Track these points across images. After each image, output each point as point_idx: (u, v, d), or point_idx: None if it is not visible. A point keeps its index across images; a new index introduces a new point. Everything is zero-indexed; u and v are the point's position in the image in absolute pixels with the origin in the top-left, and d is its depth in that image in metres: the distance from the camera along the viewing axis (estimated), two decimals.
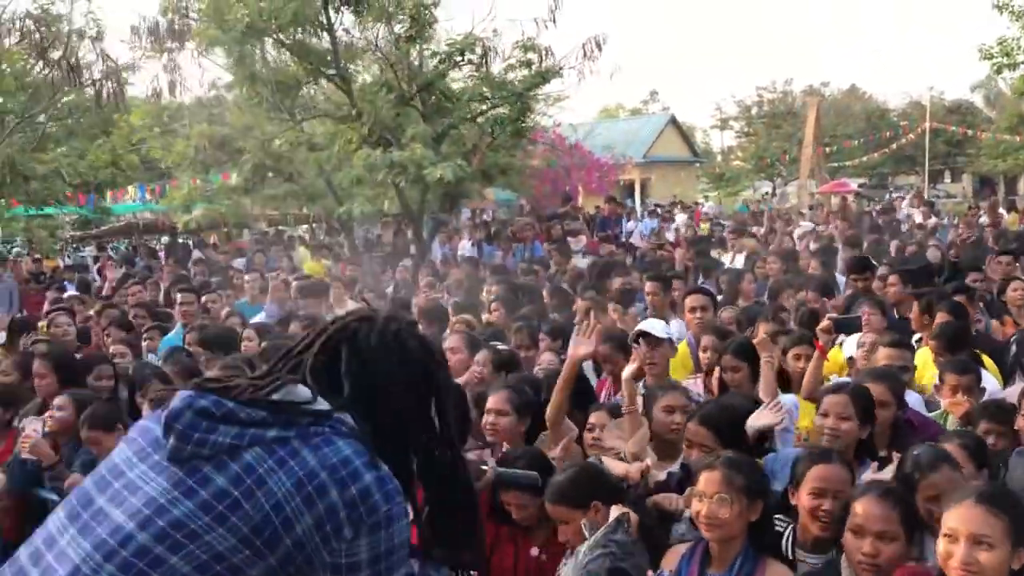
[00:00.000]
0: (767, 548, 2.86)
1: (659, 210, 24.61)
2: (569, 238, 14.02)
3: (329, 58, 12.30)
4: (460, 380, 4.84)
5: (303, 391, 1.67)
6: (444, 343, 5.66)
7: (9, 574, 1.61)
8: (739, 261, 10.57)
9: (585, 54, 12.43)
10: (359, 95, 12.55)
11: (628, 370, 4.05)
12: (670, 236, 17.09)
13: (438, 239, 15.17)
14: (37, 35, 9.24)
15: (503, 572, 3.46)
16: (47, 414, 5.06)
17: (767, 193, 36.72)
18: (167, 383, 5.29)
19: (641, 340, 4.68)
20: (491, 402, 4.06)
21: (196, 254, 18.23)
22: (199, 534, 1.52)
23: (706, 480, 2.81)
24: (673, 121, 40.51)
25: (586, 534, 2.94)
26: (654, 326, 4.87)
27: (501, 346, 5.14)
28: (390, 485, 1.64)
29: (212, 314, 7.89)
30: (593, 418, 4.09)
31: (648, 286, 6.90)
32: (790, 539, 3.03)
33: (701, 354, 5.39)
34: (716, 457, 2.92)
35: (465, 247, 15.46)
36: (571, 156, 24.50)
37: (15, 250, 23.68)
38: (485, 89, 12.77)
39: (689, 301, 6.15)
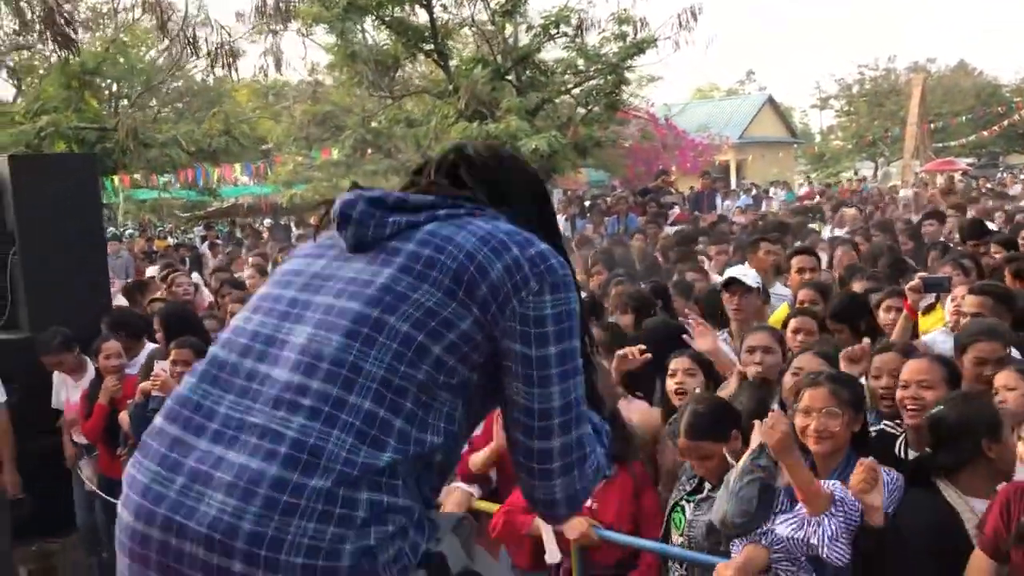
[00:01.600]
0: (867, 453, 2.89)
1: (755, 189, 24.21)
2: (663, 212, 14.00)
3: (427, 35, 12.53)
4: None
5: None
6: None
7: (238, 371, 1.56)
8: (837, 234, 10.40)
9: (680, 24, 12.35)
10: (456, 71, 12.76)
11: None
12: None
13: None
14: (157, 12, 9.75)
15: None
16: (172, 370, 5.38)
17: (862, 177, 35.61)
18: None
19: (730, 288, 4.70)
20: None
21: (296, 232, 18.85)
22: (407, 294, 1.52)
23: (812, 396, 2.87)
24: (770, 101, 39.68)
25: (731, 461, 3.00)
26: (744, 273, 4.87)
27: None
28: (561, 257, 1.59)
29: None
30: (674, 364, 4.10)
31: (764, 246, 6.87)
32: (903, 443, 3.13)
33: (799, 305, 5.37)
34: (820, 374, 2.97)
35: (559, 223, 15.56)
36: (665, 136, 24.35)
37: (128, 232, 24.89)
38: (580, 61, 12.82)
39: (796, 261, 6.07)
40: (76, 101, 8.40)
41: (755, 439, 2.90)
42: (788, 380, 3.47)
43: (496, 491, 3.89)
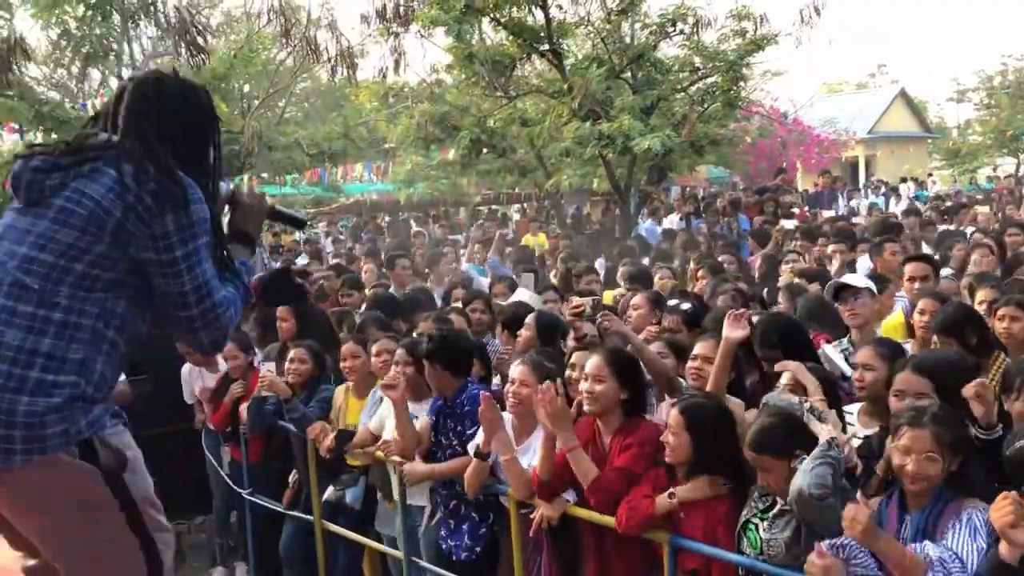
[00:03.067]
0: (964, 488, 2.80)
1: (883, 186, 23.26)
2: (782, 212, 13.64)
3: (542, 35, 12.58)
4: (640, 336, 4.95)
5: (103, 136, 2.45)
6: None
7: None
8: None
9: (802, 19, 12.00)
10: (571, 70, 12.78)
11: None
12: (897, 211, 16.19)
13: (645, 213, 15.19)
14: (282, 19, 10.19)
15: None
16: (287, 366, 5.64)
17: (1009, 174, 33.58)
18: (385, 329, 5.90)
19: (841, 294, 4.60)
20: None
21: (415, 229, 19.30)
22: (55, 236, 2.32)
23: (913, 438, 2.79)
24: (903, 94, 37.98)
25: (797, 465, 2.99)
26: (853, 279, 4.78)
27: (685, 305, 5.17)
28: (184, 181, 2.37)
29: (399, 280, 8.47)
30: (698, 348, 4.11)
31: (889, 246, 6.68)
32: None
33: (917, 316, 5.17)
34: (924, 413, 2.87)
35: (673, 221, 15.37)
36: (789, 131, 23.67)
37: None
38: (696, 59, 12.63)
39: (909, 269, 5.84)
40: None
41: (824, 433, 2.90)
42: (892, 403, 3.37)
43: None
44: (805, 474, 2.84)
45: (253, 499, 6.05)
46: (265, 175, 10.96)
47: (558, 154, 12.18)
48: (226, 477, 6.34)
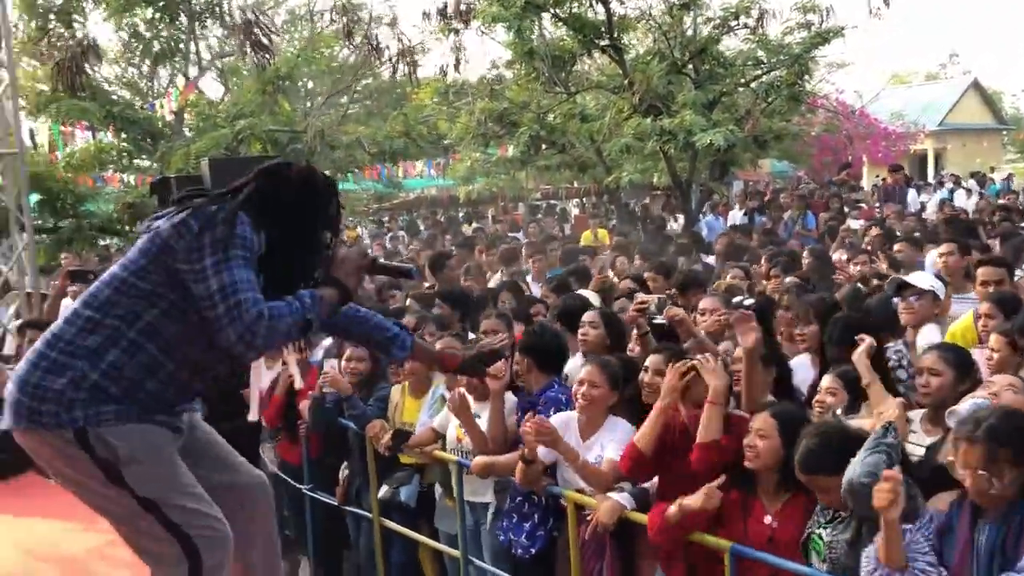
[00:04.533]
0: None
1: (952, 180, 22.60)
2: (848, 209, 13.35)
3: (603, 29, 12.48)
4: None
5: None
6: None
7: None
8: None
9: (870, 12, 11.70)
10: (632, 65, 12.65)
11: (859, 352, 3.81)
12: (968, 206, 15.73)
13: (707, 209, 15.00)
14: (344, 20, 10.29)
15: (732, 539, 3.41)
16: (345, 366, 5.68)
17: None
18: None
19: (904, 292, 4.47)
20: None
21: (475, 225, 19.35)
22: (128, 256, 2.71)
23: (967, 452, 2.67)
24: (975, 85, 36.82)
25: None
26: (917, 278, 4.65)
27: (749, 300, 5.07)
28: (243, 217, 2.67)
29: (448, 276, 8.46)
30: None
31: (944, 246, 6.42)
32: None
33: (981, 321, 4.99)
34: (978, 427, 2.69)
35: (736, 216, 15.15)
36: (855, 125, 23.14)
37: None
38: (760, 53, 12.40)
39: (981, 273, 5.64)
40: (270, 104, 9.01)
41: (882, 419, 2.83)
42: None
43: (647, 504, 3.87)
44: (856, 464, 2.78)
45: (313, 495, 6.11)
46: (327, 173, 11.07)
47: (618, 150, 12.06)
48: (279, 472, 6.41)
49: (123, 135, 8.97)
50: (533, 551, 4.36)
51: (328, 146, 8.49)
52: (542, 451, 4.08)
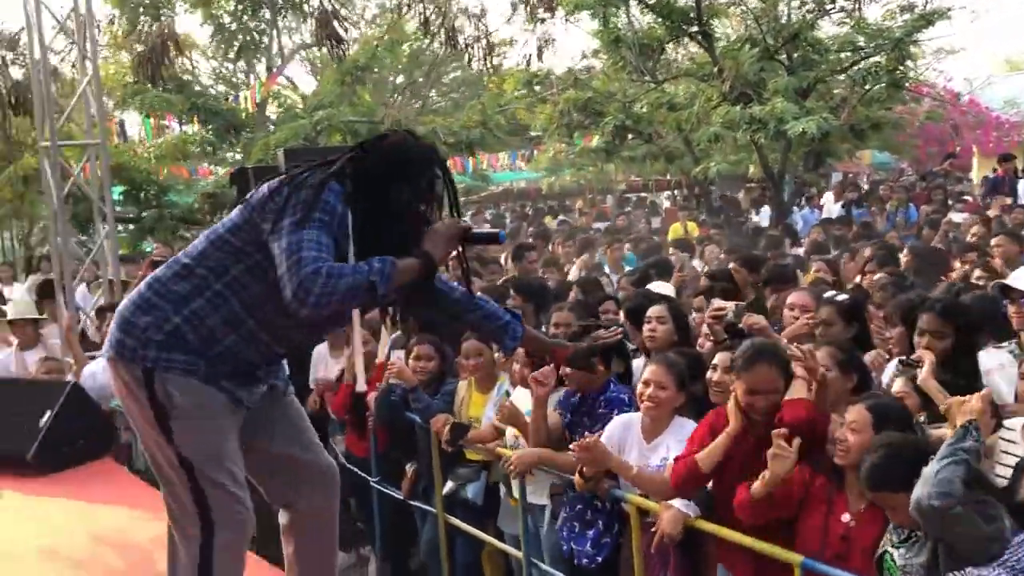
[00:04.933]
0: None
1: None
2: (951, 202, 12.66)
3: (692, 16, 12.13)
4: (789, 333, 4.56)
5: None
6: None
7: None
8: None
9: None
10: (721, 52, 12.27)
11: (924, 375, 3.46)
12: None
13: (803, 201, 14.46)
14: (423, 10, 10.24)
15: (809, 531, 3.20)
16: (411, 363, 5.58)
17: None
18: None
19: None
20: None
21: (560, 218, 19.15)
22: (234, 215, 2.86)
23: None
24: None
25: None
26: (1018, 278, 4.25)
27: (842, 296, 4.72)
28: (333, 186, 2.71)
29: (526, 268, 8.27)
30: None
31: None
32: None
33: None
34: None
35: (833, 209, 14.57)
36: (963, 113, 22.01)
37: None
38: (858, 37, 11.84)
39: None
40: (349, 95, 9.01)
41: (958, 420, 2.54)
42: None
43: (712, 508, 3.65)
44: (927, 480, 2.49)
45: (381, 488, 6.05)
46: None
47: (706, 139, 11.70)
48: (347, 463, 6.38)
49: (207, 126, 9.13)
50: (599, 559, 4.18)
51: None
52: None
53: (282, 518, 3.24)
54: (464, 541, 5.32)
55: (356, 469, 6.30)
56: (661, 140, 13.63)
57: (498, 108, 11.02)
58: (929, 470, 2.51)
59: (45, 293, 7.69)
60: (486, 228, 3.26)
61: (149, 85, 8.16)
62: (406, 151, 2.83)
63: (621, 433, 4.03)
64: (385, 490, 5.98)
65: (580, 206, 21.86)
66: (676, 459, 3.58)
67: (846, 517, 3.14)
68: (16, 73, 7.76)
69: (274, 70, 12.12)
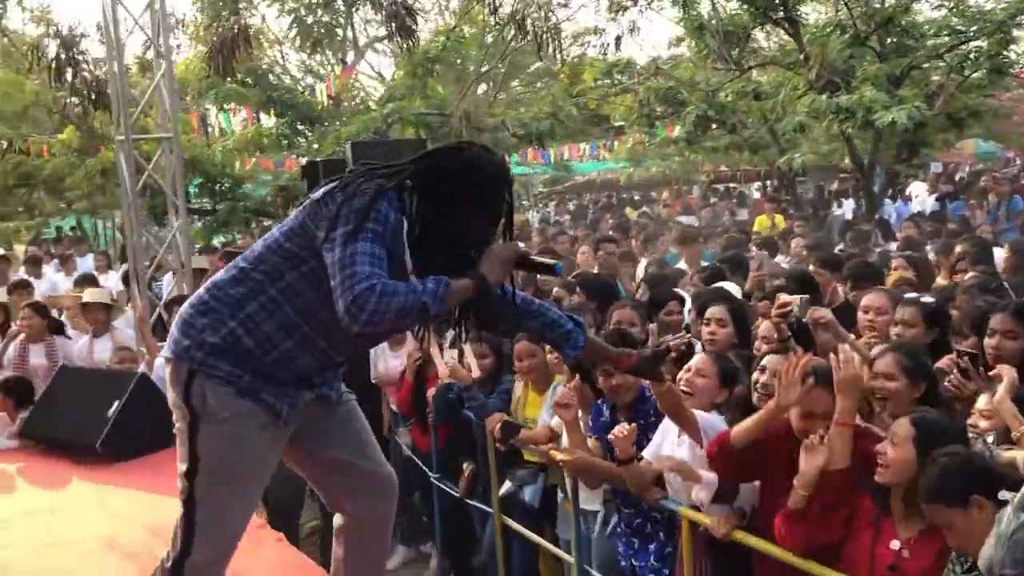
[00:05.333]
0: None
1: None
2: None
3: (778, 1, 11.70)
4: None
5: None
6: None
7: None
8: None
9: None
10: (809, 39, 11.80)
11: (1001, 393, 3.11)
12: None
13: (896, 194, 13.85)
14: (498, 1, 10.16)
15: (854, 556, 2.96)
16: (474, 363, 5.50)
17: None
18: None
19: None
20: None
21: (642, 209, 18.85)
22: (278, 231, 2.84)
23: None
24: None
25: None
26: None
27: (927, 298, 4.42)
28: (385, 197, 2.63)
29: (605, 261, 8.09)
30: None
31: None
32: None
33: None
34: None
35: (927, 202, 13.93)
36: None
37: None
38: (956, 21, 11.22)
39: None
40: (420, 88, 8.98)
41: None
42: None
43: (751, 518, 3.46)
44: (1001, 540, 2.19)
45: (440, 485, 6.00)
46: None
47: (791, 129, 11.26)
48: (413, 456, 6.36)
49: (282, 119, 9.23)
50: (666, 572, 4.01)
51: (474, 128, 8.35)
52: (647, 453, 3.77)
53: (337, 519, 3.23)
54: (521, 544, 5.22)
55: (420, 463, 6.28)
56: (745, 130, 13.21)
57: (571, 99, 10.79)
58: (1003, 529, 2.21)
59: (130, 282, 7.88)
60: (545, 259, 3.13)
61: (224, 78, 8.28)
62: (481, 171, 2.74)
63: (661, 432, 3.87)
64: (445, 487, 5.94)
65: (665, 197, 21.49)
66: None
67: (895, 544, 2.89)
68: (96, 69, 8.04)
69: (349, 62, 12.20)
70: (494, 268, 2.72)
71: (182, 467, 2.79)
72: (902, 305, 4.43)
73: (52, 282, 9.87)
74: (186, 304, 2.88)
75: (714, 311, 4.56)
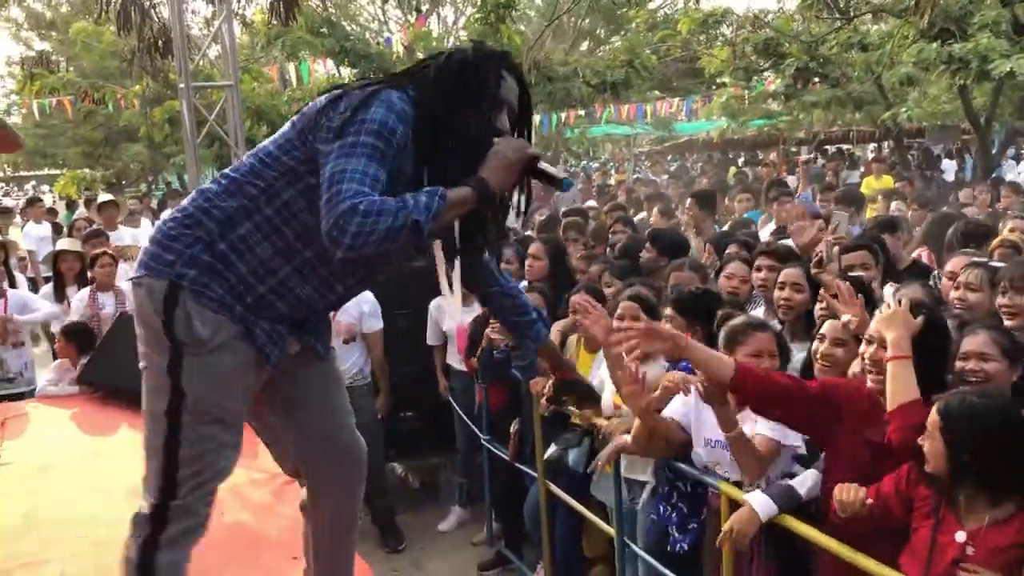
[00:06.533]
0: None
1: None
2: None
3: None
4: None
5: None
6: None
7: None
8: None
9: None
10: None
11: None
12: None
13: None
14: None
15: (914, 546, 2.61)
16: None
17: None
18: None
19: None
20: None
21: (742, 169, 18.09)
22: (271, 143, 2.50)
23: None
24: None
25: None
26: None
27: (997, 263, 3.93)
28: (383, 94, 2.36)
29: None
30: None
31: None
32: None
33: None
34: None
35: None
36: None
37: (582, 164, 26.13)
38: None
39: None
40: (492, 35, 8.64)
41: None
42: None
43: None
44: None
45: (491, 447, 5.80)
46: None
47: (897, 81, 10.45)
48: (464, 418, 6.16)
49: (355, 70, 9.06)
50: (685, 545, 3.73)
51: (544, 77, 7.98)
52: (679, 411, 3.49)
53: (303, 495, 2.92)
54: (564, 511, 4.97)
55: (470, 424, 6.09)
56: (849, 83, 12.39)
57: (649, 47, 10.24)
58: None
59: None
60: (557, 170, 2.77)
61: (286, 25, 8.16)
62: (478, 59, 2.46)
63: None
64: (495, 449, 5.74)
65: (773, 158, 20.60)
66: None
67: (961, 536, 2.52)
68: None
69: (422, 11, 11.94)
70: (497, 171, 2.38)
71: (159, 405, 2.43)
72: (967, 267, 4.02)
73: (132, 235, 10.06)
74: (167, 216, 2.54)
75: (790, 274, 4.18)
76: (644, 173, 23.24)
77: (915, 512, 2.66)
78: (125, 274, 7.08)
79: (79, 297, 6.97)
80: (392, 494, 6.56)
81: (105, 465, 4.80)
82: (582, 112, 15.42)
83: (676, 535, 3.74)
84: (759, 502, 2.99)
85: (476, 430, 6.00)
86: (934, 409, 2.57)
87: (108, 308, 6.91)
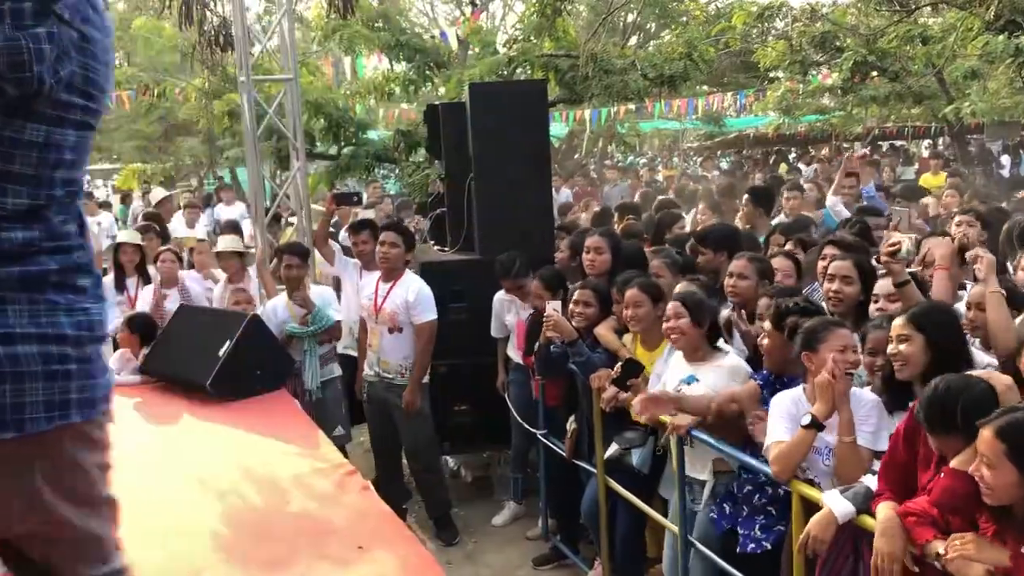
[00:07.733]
0: None
1: None
2: None
3: None
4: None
5: None
6: None
7: None
8: None
9: None
10: None
11: None
12: None
13: None
14: None
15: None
16: (571, 309, 5.18)
17: None
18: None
19: None
20: None
21: (794, 165, 17.79)
22: None
23: None
24: None
25: None
26: None
27: None
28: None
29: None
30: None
31: None
32: None
33: None
34: None
35: None
36: None
37: (632, 159, 25.94)
38: None
39: None
40: (548, 28, 8.59)
41: None
42: None
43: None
44: None
45: (547, 442, 5.76)
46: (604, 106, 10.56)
47: (961, 76, 10.18)
48: (515, 414, 6.13)
49: (410, 64, 9.07)
50: (767, 545, 3.68)
51: (602, 71, 7.90)
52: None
53: None
54: (626, 508, 4.91)
55: (521, 420, 6.06)
56: (909, 78, 12.10)
57: (706, 39, 10.07)
58: None
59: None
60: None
61: (344, 18, 8.17)
62: None
63: (790, 405, 3.46)
64: (551, 444, 5.70)
65: (825, 153, 20.26)
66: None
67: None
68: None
69: (478, 5, 11.90)
70: None
71: None
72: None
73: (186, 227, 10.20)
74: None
75: (840, 266, 4.09)
76: (694, 169, 22.99)
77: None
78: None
79: (144, 296, 7.09)
80: (447, 487, 6.56)
81: (163, 455, 4.85)
82: (633, 107, 15.29)
83: (758, 533, 3.68)
84: (837, 504, 2.91)
85: (529, 427, 5.96)
86: (990, 435, 2.42)
87: (171, 302, 7.00)
